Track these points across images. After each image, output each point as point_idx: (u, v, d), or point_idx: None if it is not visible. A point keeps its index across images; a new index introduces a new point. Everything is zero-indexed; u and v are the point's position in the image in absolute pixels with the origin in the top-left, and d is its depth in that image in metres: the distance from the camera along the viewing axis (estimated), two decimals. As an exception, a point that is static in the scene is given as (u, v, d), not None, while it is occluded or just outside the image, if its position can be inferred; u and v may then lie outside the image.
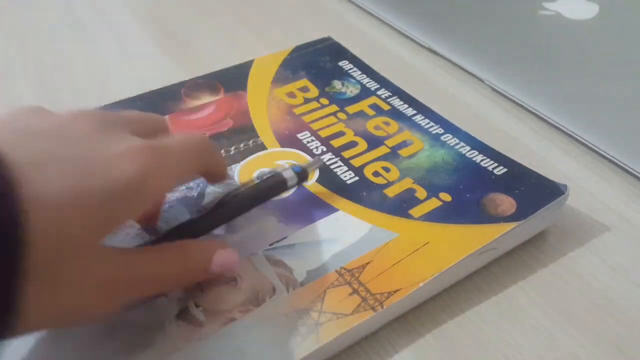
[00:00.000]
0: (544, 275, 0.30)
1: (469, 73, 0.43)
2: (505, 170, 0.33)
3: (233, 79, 0.41)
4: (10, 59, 0.46)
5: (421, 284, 0.27)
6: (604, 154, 0.36)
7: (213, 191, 0.32)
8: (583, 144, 0.37)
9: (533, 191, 0.32)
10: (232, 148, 0.35)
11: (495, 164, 0.34)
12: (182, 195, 0.32)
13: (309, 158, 0.35)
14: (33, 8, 0.52)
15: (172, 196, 0.32)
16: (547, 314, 0.28)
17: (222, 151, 0.35)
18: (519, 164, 0.34)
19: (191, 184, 0.33)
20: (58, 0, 0.53)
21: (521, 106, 0.40)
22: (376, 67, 0.42)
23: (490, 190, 0.32)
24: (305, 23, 0.50)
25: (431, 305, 0.29)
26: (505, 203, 0.31)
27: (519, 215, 0.30)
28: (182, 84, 0.40)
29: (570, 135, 0.38)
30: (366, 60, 0.43)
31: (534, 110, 0.40)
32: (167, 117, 0.37)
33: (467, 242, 0.29)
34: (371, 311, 0.26)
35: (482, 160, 0.34)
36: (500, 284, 0.30)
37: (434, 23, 0.46)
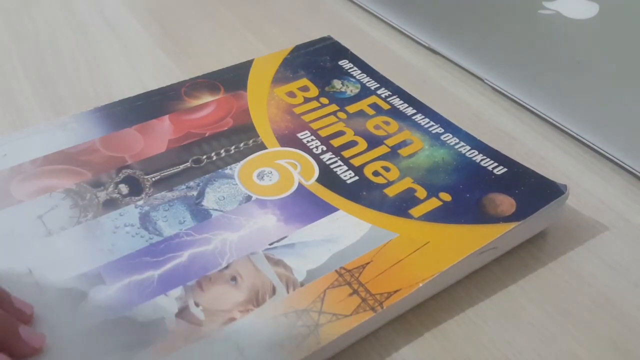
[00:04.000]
0: (544, 275, 0.30)
1: (469, 72, 0.43)
2: (505, 170, 0.33)
3: (233, 79, 0.41)
4: (11, 59, 0.46)
5: (421, 285, 0.27)
6: (604, 153, 0.36)
7: (213, 190, 0.32)
8: (583, 144, 0.37)
9: (533, 191, 0.32)
10: (232, 147, 0.35)
11: (495, 164, 0.34)
12: (182, 194, 0.32)
13: (309, 158, 0.35)
14: (33, 8, 0.52)
15: (171, 195, 0.32)
16: (547, 313, 0.28)
17: (223, 150, 0.35)
18: (519, 164, 0.34)
19: (191, 183, 0.33)
20: (58, 0, 0.53)
21: (521, 105, 0.40)
22: (376, 66, 0.42)
23: (490, 190, 0.32)
24: (305, 22, 0.50)
25: (431, 305, 0.29)
26: (505, 203, 0.31)
27: (518, 215, 0.30)
28: (182, 84, 0.40)
29: (570, 135, 0.38)
30: (366, 59, 0.43)
31: (534, 110, 0.40)
32: (167, 116, 0.37)
33: (467, 242, 0.29)
34: (371, 312, 0.26)
35: (482, 160, 0.34)
36: (501, 283, 0.30)
37: (434, 22, 0.46)
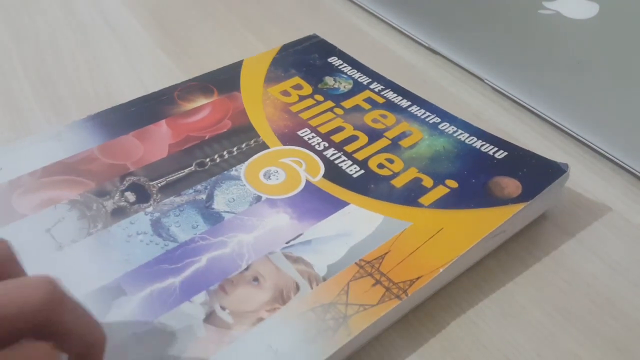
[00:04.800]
0: (544, 275, 0.30)
1: (469, 72, 0.44)
2: (506, 153, 0.34)
3: (225, 81, 0.41)
4: (11, 59, 0.46)
5: (441, 270, 0.28)
6: (604, 153, 0.36)
7: (222, 192, 0.32)
8: (583, 144, 0.38)
9: (535, 172, 0.32)
10: (235, 148, 0.35)
11: (496, 149, 0.34)
12: (191, 198, 0.32)
13: (312, 155, 0.35)
14: (33, 8, 0.52)
15: (180, 200, 0.32)
16: (547, 313, 0.29)
17: (225, 152, 0.35)
18: (518, 147, 0.34)
19: (198, 187, 0.33)
20: (58, 0, 0.53)
21: (521, 105, 0.41)
22: (376, 66, 0.42)
23: (494, 173, 0.33)
24: (305, 23, 0.50)
25: (431, 305, 0.29)
26: (511, 185, 0.32)
27: (525, 196, 0.31)
28: (174, 88, 0.40)
29: (570, 135, 0.38)
30: (366, 59, 0.43)
31: (533, 110, 0.40)
32: (163, 121, 0.37)
33: (480, 225, 0.30)
34: (396, 300, 0.27)
35: (482, 146, 0.35)
36: (500, 283, 0.30)
37: (434, 22, 0.46)
